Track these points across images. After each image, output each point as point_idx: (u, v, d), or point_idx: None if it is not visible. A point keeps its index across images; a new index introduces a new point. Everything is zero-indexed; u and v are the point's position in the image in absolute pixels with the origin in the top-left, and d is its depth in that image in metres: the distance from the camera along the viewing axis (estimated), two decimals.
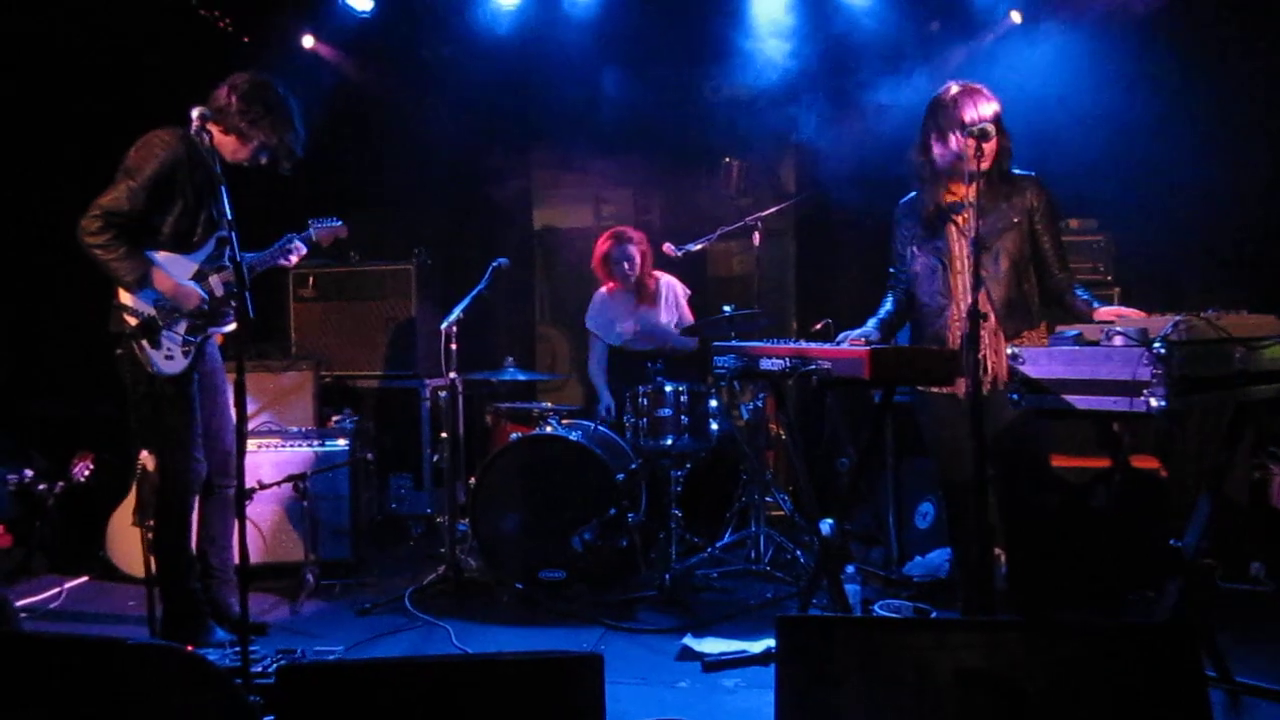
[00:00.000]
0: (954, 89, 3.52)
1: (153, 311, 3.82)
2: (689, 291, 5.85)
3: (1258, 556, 4.58)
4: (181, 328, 3.89)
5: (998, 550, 4.02)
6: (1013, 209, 3.56)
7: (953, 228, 3.58)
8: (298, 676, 2.16)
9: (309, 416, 5.47)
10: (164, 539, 3.96)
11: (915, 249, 3.70)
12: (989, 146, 3.39)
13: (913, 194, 3.77)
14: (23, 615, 4.39)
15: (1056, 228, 3.64)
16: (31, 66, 5.51)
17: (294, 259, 4.27)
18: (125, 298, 3.82)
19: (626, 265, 5.62)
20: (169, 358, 3.86)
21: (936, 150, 3.57)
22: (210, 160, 3.56)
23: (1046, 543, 3.66)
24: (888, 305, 3.87)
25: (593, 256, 5.76)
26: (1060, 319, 3.42)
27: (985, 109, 3.45)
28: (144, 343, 3.82)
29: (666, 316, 5.72)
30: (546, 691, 2.19)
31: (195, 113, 3.52)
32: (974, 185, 3.29)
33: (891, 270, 3.87)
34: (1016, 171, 3.62)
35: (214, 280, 3.98)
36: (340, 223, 4.45)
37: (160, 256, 3.86)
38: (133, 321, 3.81)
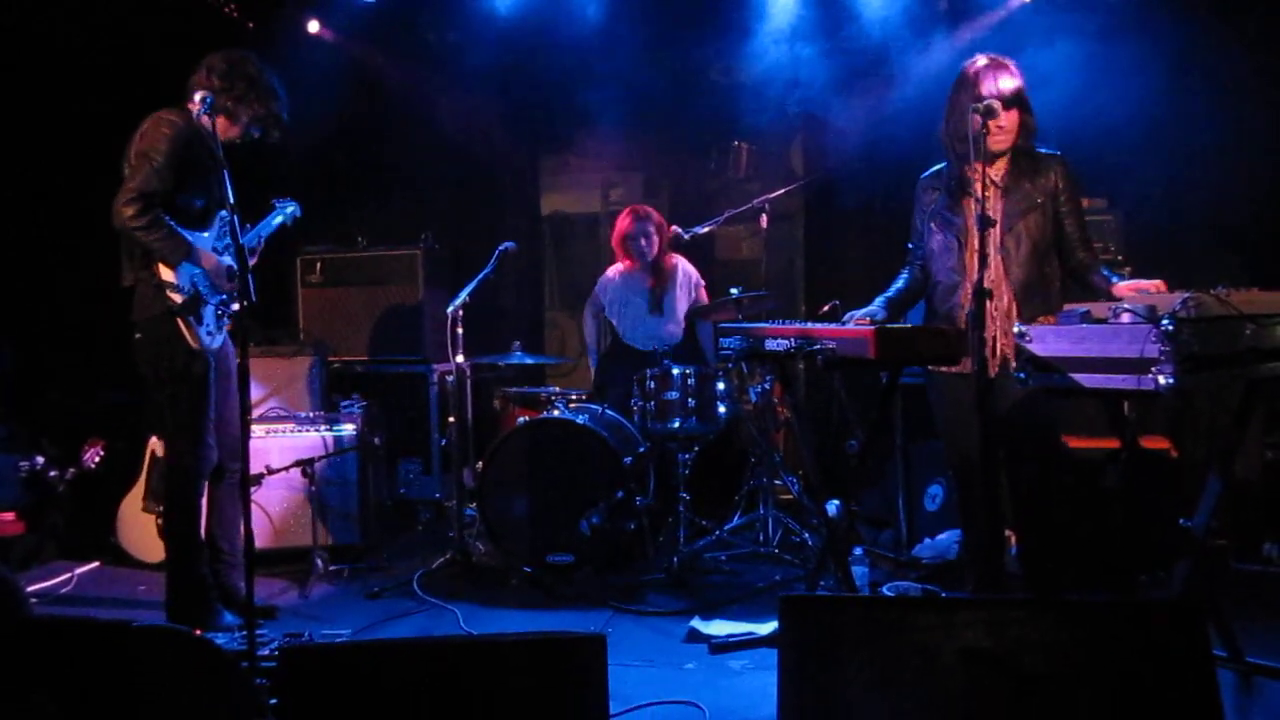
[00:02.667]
0: (979, 62, 3.45)
1: (195, 288, 3.83)
2: (702, 281, 5.81)
3: (1271, 537, 4.55)
4: (215, 302, 3.91)
5: (1008, 532, 4.00)
6: (1036, 190, 3.50)
7: (971, 205, 3.51)
8: (299, 658, 2.17)
9: (317, 402, 5.48)
10: (174, 524, 3.98)
11: (934, 225, 3.64)
12: (1006, 123, 3.36)
13: (935, 168, 3.71)
14: (34, 600, 4.41)
15: (1080, 208, 3.58)
16: (35, 54, 5.50)
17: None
18: (166, 275, 3.79)
19: (644, 242, 5.57)
20: (210, 333, 3.88)
21: (958, 124, 3.52)
22: (213, 142, 3.56)
23: (1057, 524, 3.64)
24: (899, 283, 3.81)
25: (612, 234, 5.74)
26: (1081, 298, 3.37)
27: (1005, 84, 3.38)
28: (190, 319, 3.81)
29: (683, 300, 5.69)
30: (550, 672, 2.19)
31: (198, 95, 3.53)
32: (988, 163, 3.27)
33: (910, 245, 3.81)
34: (1042, 150, 3.56)
35: (227, 258, 3.99)
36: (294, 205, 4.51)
37: (186, 234, 3.87)
38: (177, 299, 3.79)
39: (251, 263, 4.23)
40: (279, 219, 4.42)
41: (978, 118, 3.22)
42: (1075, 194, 3.56)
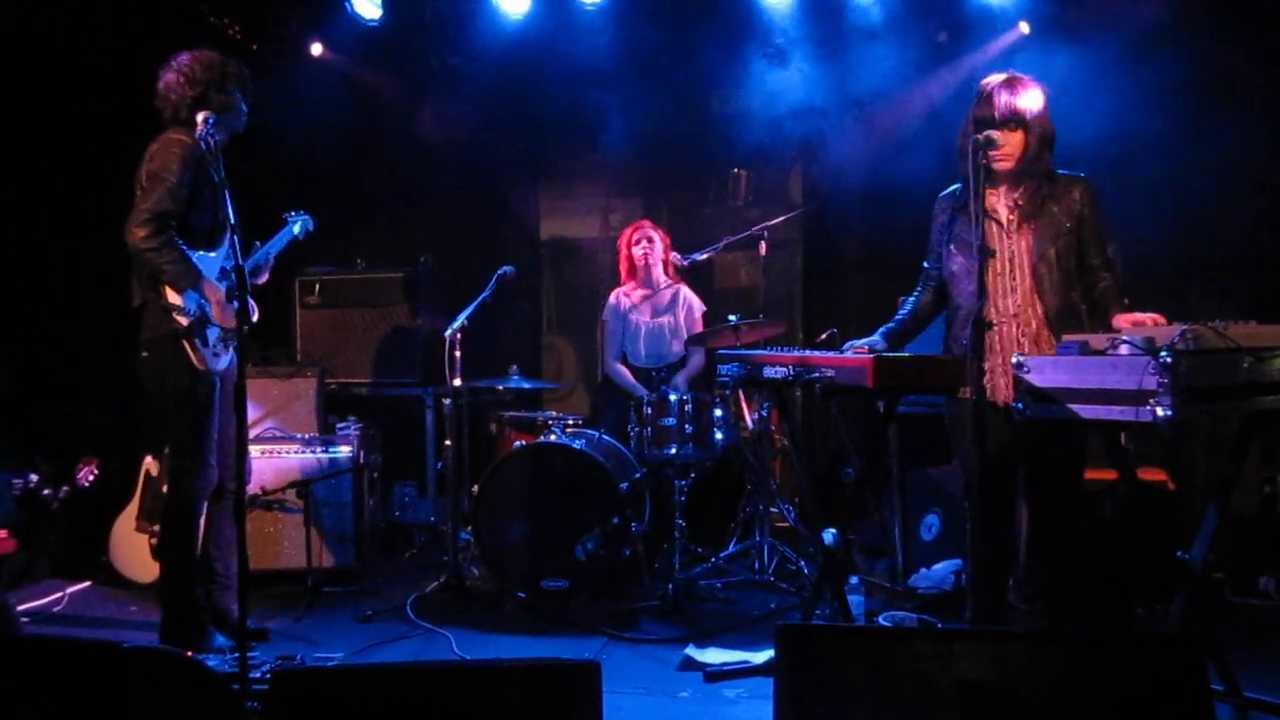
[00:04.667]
0: (996, 78, 3.39)
1: (201, 311, 3.84)
2: (704, 308, 5.82)
3: (1268, 571, 4.54)
4: (222, 328, 3.93)
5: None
6: (1062, 212, 3.41)
7: (994, 227, 3.45)
8: (291, 681, 2.15)
9: (313, 423, 5.46)
10: (171, 544, 3.96)
11: (953, 247, 3.54)
12: (1009, 145, 3.32)
13: (953, 187, 3.62)
14: (25, 619, 4.39)
15: (1102, 231, 3.47)
16: (38, 71, 5.52)
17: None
18: (173, 297, 3.80)
19: (645, 246, 5.65)
20: (215, 354, 3.89)
21: (961, 143, 3.45)
22: (217, 162, 3.57)
23: (1063, 555, 3.60)
24: (905, 309, 3.73)
25: (619, 241, 5.87)
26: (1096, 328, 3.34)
27: (1017, 101, 3.32)
28: (195, 341, 3.82)
29: (685, 317, 5.72)
30: (543, 699, 2.17)
31: (200, 117, 3.54)
32: (1000, 186, 3.26)
33: (925, 265, 3.72)
34: (1064, 172, 3.48)
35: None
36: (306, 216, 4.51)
37: (196, 256, 3.87)
38: (184, 321, 3.80)
39: (264, 279, 4.29)
40: (291, 233, 4.42)
41: (978, 146, 3.22)
42: (1099, 215, 3.45)
